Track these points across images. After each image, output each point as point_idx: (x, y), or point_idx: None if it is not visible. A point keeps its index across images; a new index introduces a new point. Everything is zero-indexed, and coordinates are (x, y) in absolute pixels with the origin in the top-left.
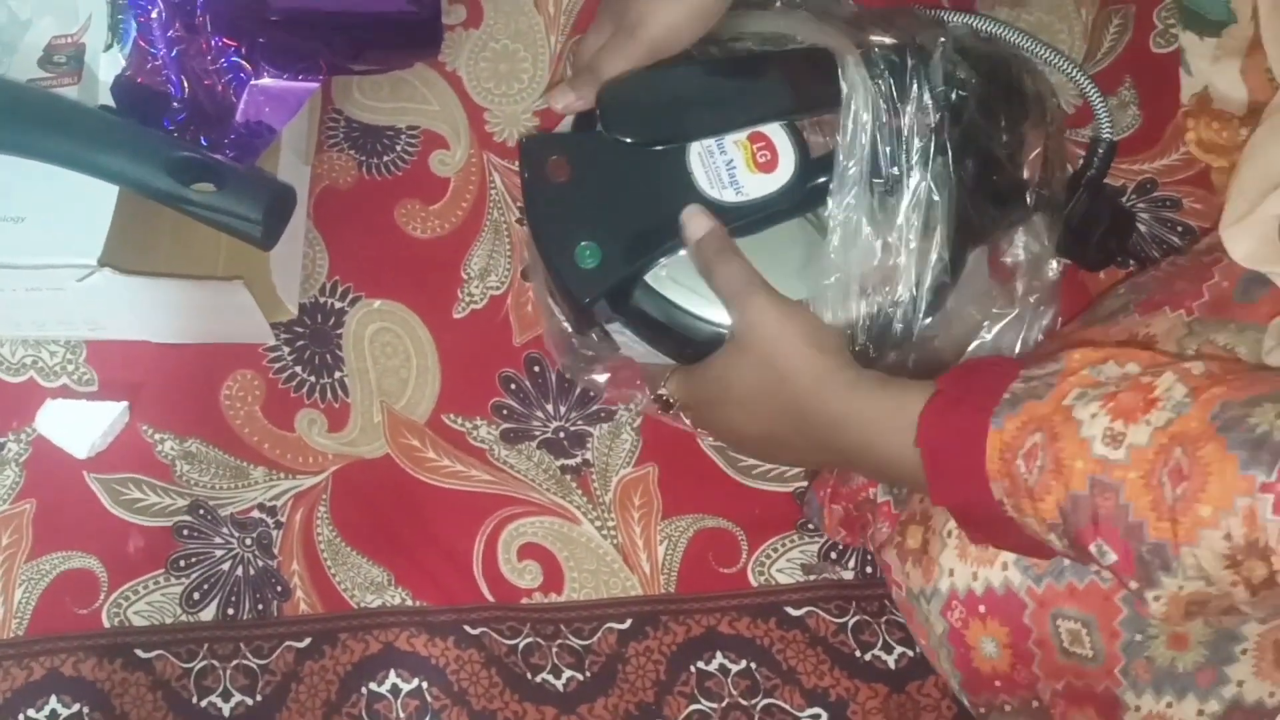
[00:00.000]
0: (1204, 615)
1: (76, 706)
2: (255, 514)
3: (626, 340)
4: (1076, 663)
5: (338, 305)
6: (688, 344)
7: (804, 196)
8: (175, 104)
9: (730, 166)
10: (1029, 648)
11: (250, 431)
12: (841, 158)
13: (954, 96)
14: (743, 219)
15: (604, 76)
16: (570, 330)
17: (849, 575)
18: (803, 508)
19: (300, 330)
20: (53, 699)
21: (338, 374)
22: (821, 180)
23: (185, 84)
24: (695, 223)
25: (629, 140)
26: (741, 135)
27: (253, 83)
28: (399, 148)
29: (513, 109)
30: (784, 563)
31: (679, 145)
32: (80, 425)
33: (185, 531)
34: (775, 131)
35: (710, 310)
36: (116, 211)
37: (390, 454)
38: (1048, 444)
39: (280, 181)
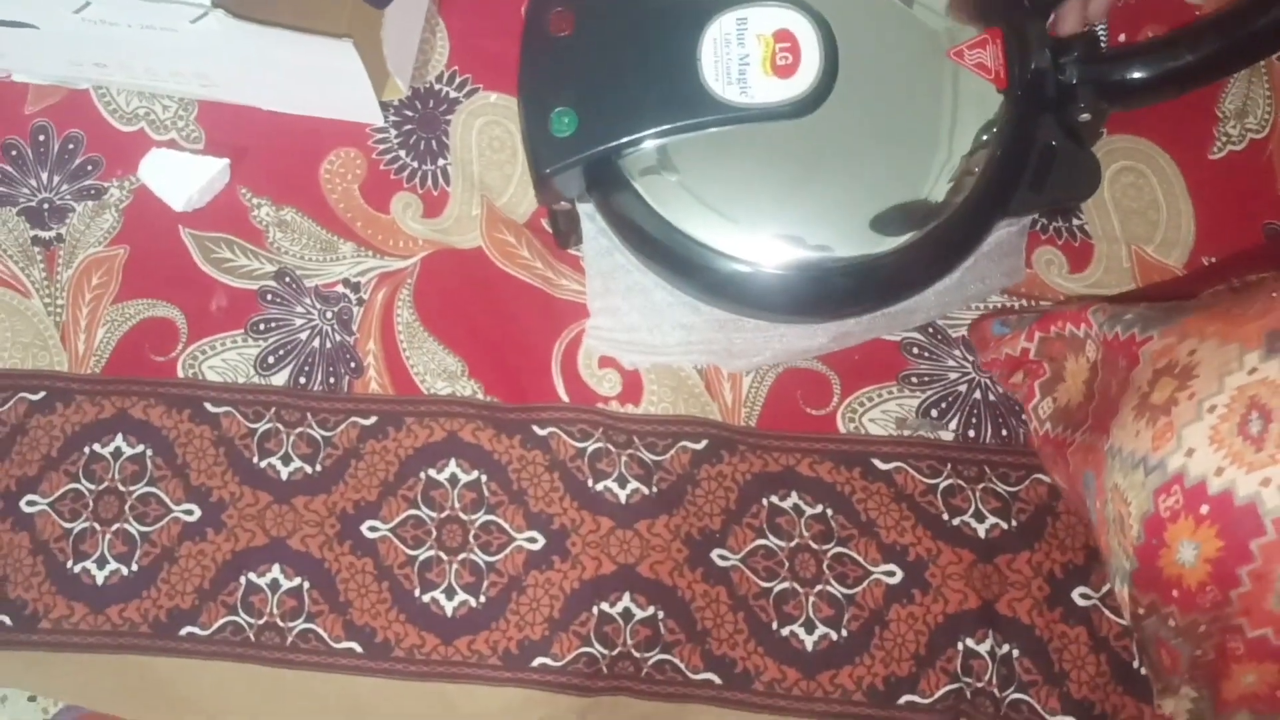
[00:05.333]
0: None
1: (141, 448)
2: (339, 289)
3: (595, 232)
4: None
5: (452, 94)
6: (661, 253)
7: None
8: None
9: (744, 61)
10: (1239, 575)
11: (345, 208)
12: None
13: None
14: (737, 123)
15: None
16: None
17: (948, 437)
18: (976, 327)
19: (409, 114)
20: (119, 437)
21: (441, 162)
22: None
23: None
24: None
25: None
26: (768, 29)
27: None
28: None
29: None
30: (878, 413)
31: (695, 23)
32: (180, 176)
33: (269, 296)
34: (806, 32)
35: (696, 226)
36: None
37: (483, 247)
38: None
39: None
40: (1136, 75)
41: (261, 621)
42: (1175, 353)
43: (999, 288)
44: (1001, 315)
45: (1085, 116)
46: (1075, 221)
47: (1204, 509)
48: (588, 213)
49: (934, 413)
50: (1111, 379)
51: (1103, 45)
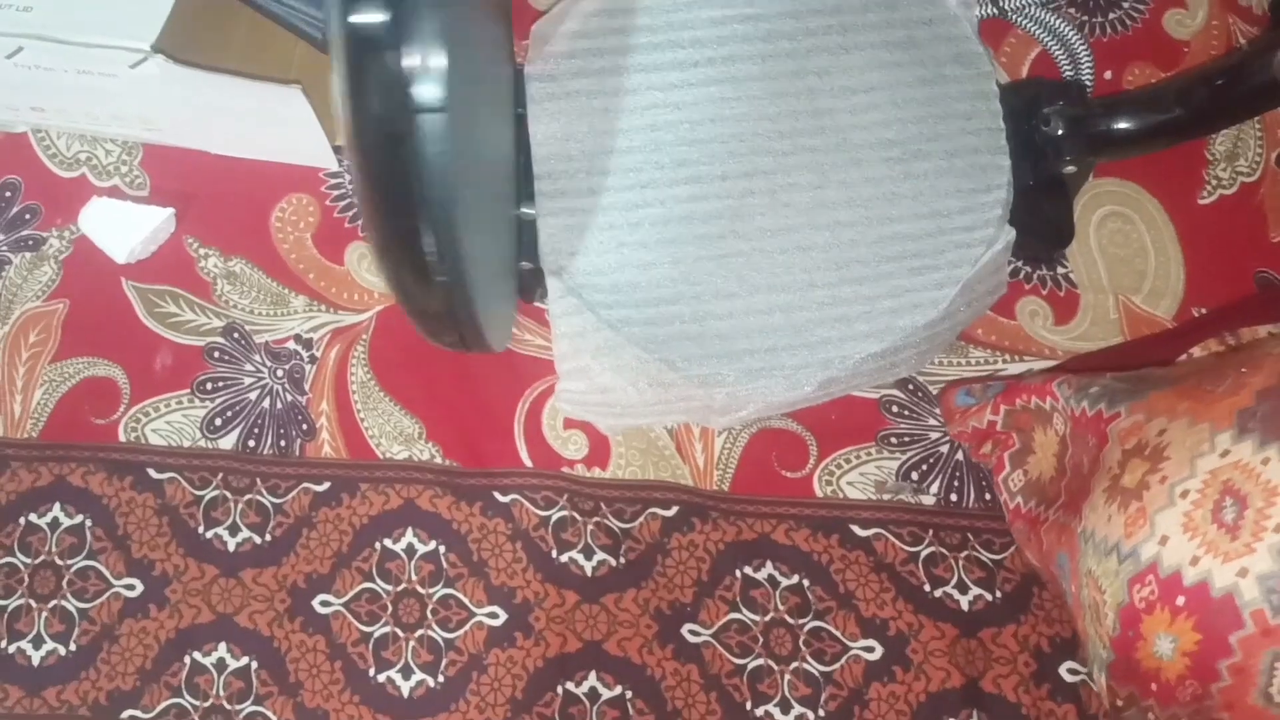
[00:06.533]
0: None
1: (80, 518)
2: (291, 345)
3: (562, 290)
4: (1277, 714)
5: None
6: None
7: None
8: None
9: None
10: (1218, 669)
11: (297, 259)
12: None
13: None
14: None
15: None
16: None
17: (929, 501)
18: (943, 397)
19: None
20: (56, 507)
21: None
22: None
23: None
24: None
25: None
26: None
27: None
28: None
29: None
30: (856, 475)
31: None
32: (123, 227)
33: (216, 354)
34: None
35: None
36: (180, 2)
37: None
38: None
39: None
40: (1125, 127)
41: (207, 704)
42: (1144, 432)
43: (986, 308)
44: (966, 385)
45: (1071, 169)
46: (1060, 270)
47: (1180, 600)
48: (552, 269)
49: (914, 475)
50: (1082, 455)
51: (1089, 91)
